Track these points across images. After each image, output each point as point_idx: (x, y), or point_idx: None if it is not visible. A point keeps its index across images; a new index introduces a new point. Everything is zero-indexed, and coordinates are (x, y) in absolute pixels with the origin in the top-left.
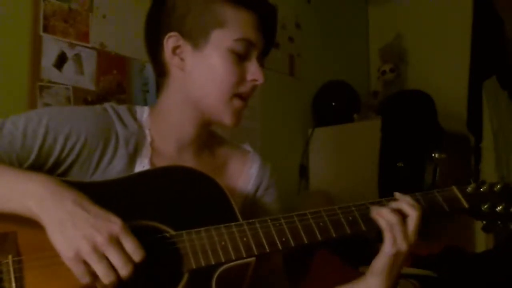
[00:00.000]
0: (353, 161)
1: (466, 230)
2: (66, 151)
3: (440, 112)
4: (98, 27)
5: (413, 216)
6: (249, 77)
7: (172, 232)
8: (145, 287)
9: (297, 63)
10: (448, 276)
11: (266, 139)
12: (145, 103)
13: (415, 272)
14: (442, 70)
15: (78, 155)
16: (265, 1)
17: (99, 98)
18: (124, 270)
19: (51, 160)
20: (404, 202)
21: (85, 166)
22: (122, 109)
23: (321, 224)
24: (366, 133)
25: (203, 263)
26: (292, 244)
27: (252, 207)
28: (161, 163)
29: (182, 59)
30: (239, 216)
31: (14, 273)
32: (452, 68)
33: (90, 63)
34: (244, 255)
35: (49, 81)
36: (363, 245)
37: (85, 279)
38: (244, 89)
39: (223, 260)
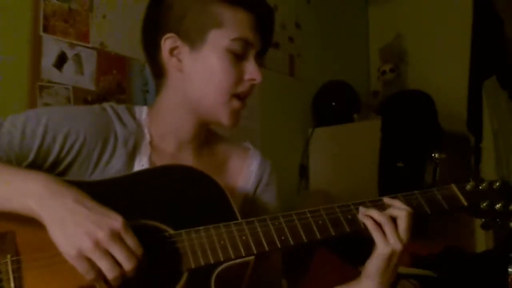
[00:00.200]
0: (353, 161)
1: (466, 229)
2: (65, 151)
3: (440, 112)
4: (98, 27)
5: (402, 215)
6: (247, 76)
7: (171, 231)
8: (144, 287)
9: (297, 63)
10: (448, 276)
11: (266, 139)
12: (145, 103)
13: (415, 272)
14: (442, 70)
15: (77, 155)
16: (262, 1)
17: (99, 98)
18: (128, 265)
19: (50, 159)
20: (392, 207)
21: (84, 165)
22: (121, 108)
23: (320, 222)
24: (366, 133)
25: (202, 262)
26: (291, 243)
27: (252, 204)
28: (160, 162)
29: (179, 60)
30: (238, 215)
31: (13, 273)
32: (452, 68)
33: (90, 63)
34: (243, 254)
35: (49, 81)
36: (363, 243)
37: (90, 276)
38: (242, 88)
39: (222, 259)
